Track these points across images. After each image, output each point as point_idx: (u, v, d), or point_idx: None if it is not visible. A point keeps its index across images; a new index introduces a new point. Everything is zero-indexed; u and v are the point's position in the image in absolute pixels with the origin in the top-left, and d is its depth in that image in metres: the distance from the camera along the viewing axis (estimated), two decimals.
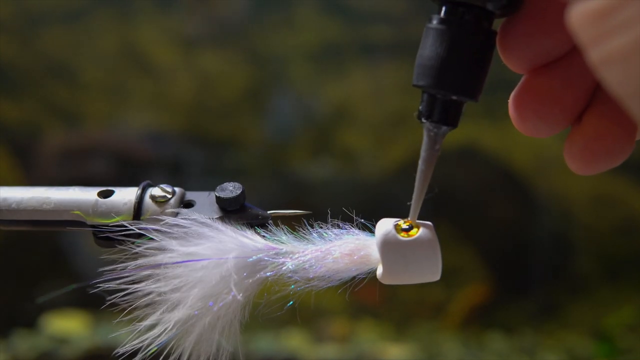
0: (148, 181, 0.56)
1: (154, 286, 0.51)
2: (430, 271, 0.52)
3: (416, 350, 1.98)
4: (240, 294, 0.50)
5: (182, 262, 0.51)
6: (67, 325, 1.93)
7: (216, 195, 0.54)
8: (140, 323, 0.51)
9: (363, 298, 2.08)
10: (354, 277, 0.53)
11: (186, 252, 0.51)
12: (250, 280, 0.51)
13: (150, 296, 0.51)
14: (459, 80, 0.47)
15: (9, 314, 2.00)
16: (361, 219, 0.54)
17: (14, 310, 2.02)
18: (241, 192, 0.54)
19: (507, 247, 2.18)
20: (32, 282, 2.01)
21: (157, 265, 0.51)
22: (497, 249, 2.12)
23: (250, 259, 0.52)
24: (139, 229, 0.52)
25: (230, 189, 0.54)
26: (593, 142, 0.48)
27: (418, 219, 0.54)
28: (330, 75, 2.21)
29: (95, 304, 0.52)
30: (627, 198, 2.19)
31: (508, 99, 0.50)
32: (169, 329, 0.50)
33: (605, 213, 2.18)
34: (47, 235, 1.96)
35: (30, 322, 1.93)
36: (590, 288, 2.17)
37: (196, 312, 0.50)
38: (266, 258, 0.52)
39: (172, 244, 0.51)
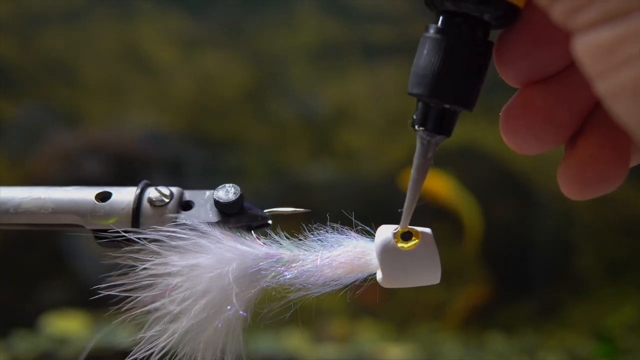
0: (146, 181, 0.56)
1: (155, 296, 0.51)
2: (430, 277, 0.53)
3: (416, 350, 1.98)
4: (242, 306, 0.51)
5: (184, 279, 0.51)
6: (67, 326, 1.93)
7: (215, 200, 0.54)
8: (142, 330, 0.51)
9: (363, 299, 2.08)
10: (354, 281, 0.53)
11: (186, 264, 0.51)
12: (251, 291, 0.51)
13: (152, 305, 0.51)
14: (454, 89, 0.47)
15: (9, 314, 2.00)
16: (361, 221, 0.54)
17: (14, 310, 2.02)
18: (239, 196, 0.54)
19: (507, 247, 2.18)
20: (32, 282, 2.01)
21: (159, 279, 0.51)
22: (497, 249, 2.11)
23: (250, 270, 0.51)
24: (138, 238, 0.52)
25: (229, 191, 0.54)
26: (587, 166, 0.46)
27: (415, 225, 0.54)
28: (330, 76, 2.21)
29: (95, 304, 0.52)
30: (627, 198, 2.18)
31: (508, 99, 0.50)
32: (171, 338, 0.50)
33: (605, 213, 2.18)
34: (47, 235, 1.96)
35: (30, 322, 1.93)
36: (591, 288, 2.17)
37: (198, 323, 0.50)
38: (266, 267, 0.52)
39: (172, 257, 0.51)
